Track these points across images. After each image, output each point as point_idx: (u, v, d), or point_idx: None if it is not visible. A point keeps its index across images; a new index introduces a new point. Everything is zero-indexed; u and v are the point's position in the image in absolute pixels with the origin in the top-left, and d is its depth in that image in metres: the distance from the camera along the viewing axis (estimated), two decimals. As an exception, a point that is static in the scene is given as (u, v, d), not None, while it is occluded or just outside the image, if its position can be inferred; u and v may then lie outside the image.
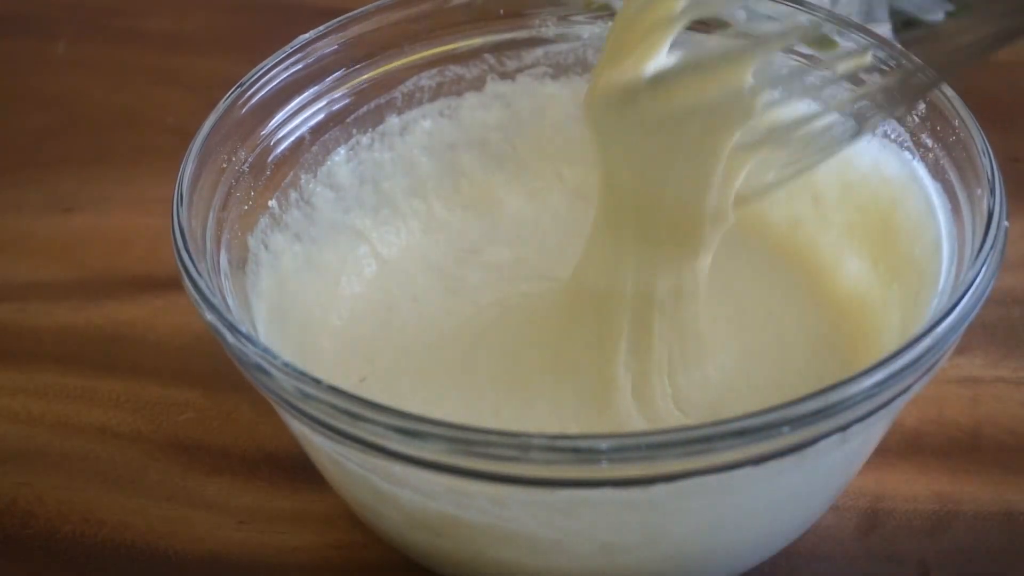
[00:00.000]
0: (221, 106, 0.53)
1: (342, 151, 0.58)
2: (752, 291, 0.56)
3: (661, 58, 0.45)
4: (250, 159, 0.54)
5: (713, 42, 0.48)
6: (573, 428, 0.51)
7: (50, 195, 0.69)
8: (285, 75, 0.55)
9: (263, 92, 0.54)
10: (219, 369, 0.57)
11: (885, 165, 0.55)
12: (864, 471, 0.52)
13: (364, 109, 0.58)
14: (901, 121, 0.54)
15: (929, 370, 0.45)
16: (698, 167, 0.46)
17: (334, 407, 0.43)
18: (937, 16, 0.73)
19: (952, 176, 0.51)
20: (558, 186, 0.60)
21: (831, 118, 0.46)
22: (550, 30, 0.59)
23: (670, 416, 0.51)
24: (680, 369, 0.52)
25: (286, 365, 0.44)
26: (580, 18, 0.59)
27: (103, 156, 0.71)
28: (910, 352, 0.43)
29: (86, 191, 0.69)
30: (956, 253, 0.49)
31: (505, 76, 0.60)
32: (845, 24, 0.55)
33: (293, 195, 0.56)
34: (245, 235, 0.53)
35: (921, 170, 0.53)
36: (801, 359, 0.53)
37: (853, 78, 0.55)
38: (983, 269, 0.46)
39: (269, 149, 0.55)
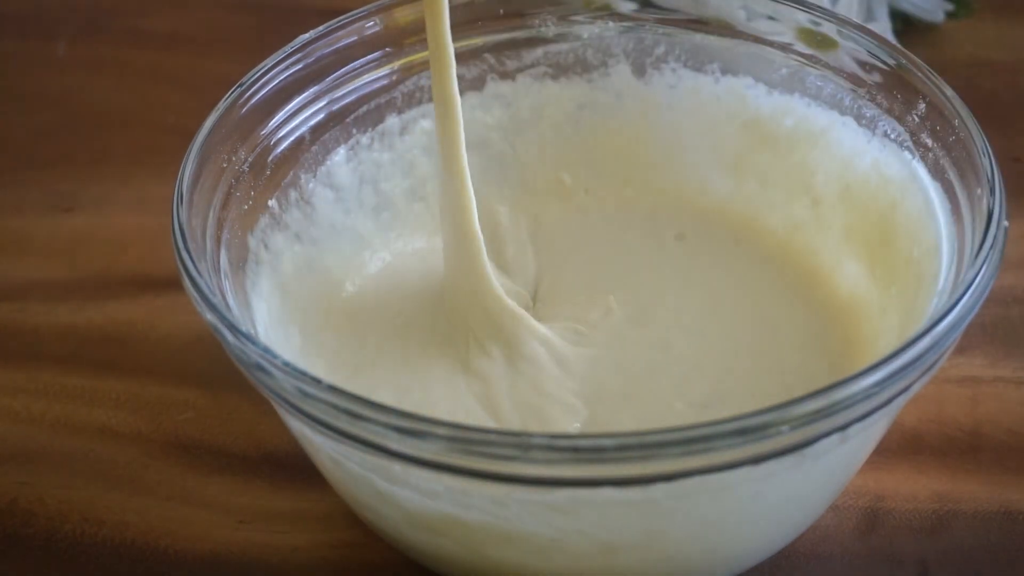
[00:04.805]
0: (221, 106, 0.53)
1: (342, 151, 0.58)
2: (750, 294, 0.56)
3: None
4: (250, 159, 0.54)
5: None
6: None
7: (50, 195, 0.69)
8: (285, 75, 0.55)
9: (263, 92, 0.54)
10: (219, 369, 0.57)
11: (885, 165, 0.55)
12: (864, 471, 0.52)
13: (364, 109, 0.58)
14: (901, 121, 0.54)
15: (929, 370, 0.45)
16: None
17: (334, 407, 0.43)
18: (937, 16, 0.73)
19: (952, 176, 0.51)
20: (557, 186, 0.60)
21: None
22: (550, 30, 0.59)
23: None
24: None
25: (286, 365, 0.44)
26: (580, 18, 0.59)
27: (103, 156, 0.71)
28: (910, 351, 0.43)
29: (86, 191, 0.69)
30: (956, 253, 0.49)
31: (505, 76, 0.60)
32: (845, 24, 0.55)
33: (293, 195, 0.56)
34: (245, 235, 0.53)
35: (921, 170, 0.53)
36: (798, 361, 0.53)
37: (853, 78, 0.55)
38: (983, 269, 0.46)
39: (269, 149, 0.55)
